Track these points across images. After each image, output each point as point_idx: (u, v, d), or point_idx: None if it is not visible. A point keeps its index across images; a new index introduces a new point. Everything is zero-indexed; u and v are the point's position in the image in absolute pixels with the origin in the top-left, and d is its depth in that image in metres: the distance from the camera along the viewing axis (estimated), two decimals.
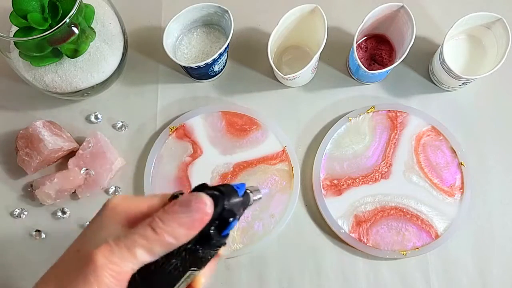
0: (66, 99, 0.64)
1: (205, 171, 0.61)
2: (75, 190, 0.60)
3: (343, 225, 0.59)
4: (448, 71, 0.58)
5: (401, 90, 0.65)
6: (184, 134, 0.62)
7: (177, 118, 0.63)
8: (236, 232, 0.59)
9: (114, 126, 0.64)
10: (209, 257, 0.33)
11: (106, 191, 0.62)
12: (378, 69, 0.59)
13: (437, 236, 0.59)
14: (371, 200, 0.60)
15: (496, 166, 0.62)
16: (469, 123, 0.63)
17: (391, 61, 0.64)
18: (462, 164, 0.61)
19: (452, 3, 0.67)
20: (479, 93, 0.64)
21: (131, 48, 0.65)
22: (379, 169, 0.61)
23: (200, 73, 0.62)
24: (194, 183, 0.61)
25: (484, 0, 0.67)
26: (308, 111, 0.64)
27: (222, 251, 0.35)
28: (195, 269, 0.33)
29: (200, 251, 0.32)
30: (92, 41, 0.56)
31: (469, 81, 0.60)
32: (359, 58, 0.60)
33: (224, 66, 0.65)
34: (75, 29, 0.51)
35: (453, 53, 0.63)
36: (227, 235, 0.34)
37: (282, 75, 0.57)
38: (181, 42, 0.64)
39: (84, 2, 0.54)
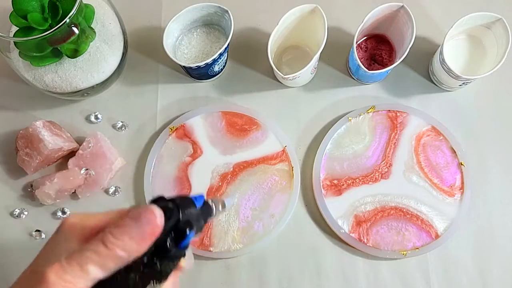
0: (66, 99, 0.64)
1: (205, 171, 0.61)
2: (75, 190, 0.60)
3: (343, 225, 0.59)
4: (448, 71, 0.58)
5: (401, 90, 0.65)
6: (184, 134, 0.62)
7: (177, 118, 0.63)
8: (236, 232, 0.59)
9: (114, 126, 0.64)
10: (169, 270, 0.33)
11: (106, 191, 0.62)
12: (378, 69, 0.59)
13: (437, 236, 0.59)
14: (371, 200, 0.60)
15: (496, 166, 0.62)
16: (469, 123, 0.63)
17: (391, 61, 0.64)
18: (462, 164, 0.61)
19: (452, 3, 0.67)
20: (479, 93, 0.64)
21: (131, 48, 0.65)
22: (379, 169, 0.61)
23: (200, 73, 0.62)
24: (194, 183, 0.61)
25: (484, 0, 0.67)
26: (308, 111, 0.64)
27: (184, 263, 0.35)
28: (156, 283, 0.32)
29: (158, 264, 0.32)
30: (92, 41, 0.56)
31: (469, 81, 0.60)
32: (359, 58, 0.60)
33: (224, 66, 0.65)
34: (75, 29, 0.51)
35: (453, 53, 0.63)
36: (186, 246, 0.33)
37: (282, 75, 0.57)
38: (181, 42, 0.64)
39: (84, 2, 0.54)
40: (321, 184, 0.60)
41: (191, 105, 0.64)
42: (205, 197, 0.37)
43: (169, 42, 0.61)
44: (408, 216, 0.59)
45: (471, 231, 0.60)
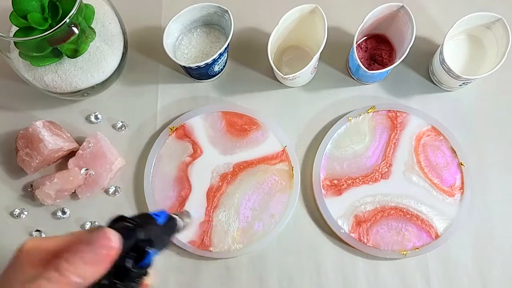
0: (66, 99, 0.64)
1: (205, 171, 0.61)
2: (75, 190, 0.60)
3: (343, 225, 0.59)
4: (448, 71, 0.58)
5: (401, 90, 0.65)
6: (184, 134, 0.62)
7: (177, 118, 0.63)
8: (236, 232, 0.59)
9: (114, 126, 0.64)
10: None
11: (106, 191, 0.62)
12: (378, 69, 0.59)
13: (437, 236, 0.59)
14: (371, 200, 0.60)
15: (496, 166, 0.62)
16: (469, 123, 0.63)
17: (391, 61, 0.64)
18: (462, 164, 0.61)
19: (452, 3, 0.67)
20: (479, 93, 0.64)
21: (131, 48, 0.65)
22: (379, 169, 0.61)
23: (200, 73, 0.62)
24: (194, 183, 0.61)
25: (484, 0, 0.67)
26: (308, 111, 0.64)
27: (149, 280, 0.34)
28: None
29: (119, 285, 0.31)
30: (92, 41, 0.56)
31: (469, 81, 0.60)
32: (359, 58, 0.60)
33: (224, 66, 0.65)
34: (75, 29, 0.51)
35: (453, 53, 0.63)
36: (148, 265, 0.33)
37: (282, 75, 0.57)
38: (181, 42, 0.64)
39: (84, 2, 0.54)
40: (321, 184, 0.60)
41: (191, 105, 0.64)
42: (167, 212, 0.36)
43: (169, 42, 0.61)
44: (408, 216, 0.59)
45: (471, 231, 0.60)
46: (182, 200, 0.60)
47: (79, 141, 0.62)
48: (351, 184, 0.61)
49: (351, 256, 0.59)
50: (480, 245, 0.59)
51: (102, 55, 0.57)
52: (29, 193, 0.61)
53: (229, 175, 0.61)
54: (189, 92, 0.65)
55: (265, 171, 0.61)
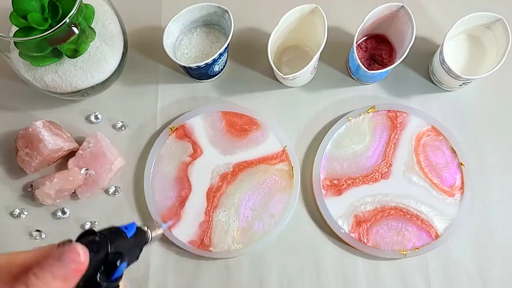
0: (66, 99, 0.64)
1: (205, 171, 0.61)
2: (75, 190, 0.60)
3: (343, 225, 0.59)
4: (448, 71, 0.58)
5: (401, 90, 0.65)
6: (184, 134, 0.62)
7: (177, 118, 0.63)
8: (236, 232, 0.59)
9: (114, 126, 0.64)
10: None
11: (106, 191, 0.62)
12: (378, 69, 0.59)
13: (437, 236, 0.59)
14: (371, 200, 0.60)
15: (496, 166, 0.62)
16: (469, 123, 0.63)
17: (391, 61, 0.64)
18: (462, 164, 0.61)
19: (452, 3, 0.67)
20: (479, 93, 0.64)
21: (131, 48, 0.65)
22: (379, 169, 0.61)
23: (200, 73, 0.62)
24: (194, 183, 0.61)
25: (484, 0, 0.67)
26: (308, 111, 0.64)
27: None
28: None
29: None
30: (92, 41, 0.56)
31: (469, 81, 0.60)
32: (359, 58, 0.60)
33: (224, 66, 0.65)
34: (75, 29, 0.51)
35: (453, 53, 0.63)
36: (119, 277, 0.33)
37: (282, 75, 0.57)
38: (181, 42, 0.64)
39: (84, 2, 0.54)
40: (321, 184, 0.60)
41: (191, 105, 0.64)
42: (137, 224, 0.37)
43: (169, 42, 0.61)
44: (408, 216, 0.59)
45: (471, 231, 0.60)
46: (182, 200, 0.60)
47: (79, 141, 0.62)
48: (351, 184, 0.61)
49: (351, 256, 0.59)
50: (480, 245, 0.59)
51: (102, 55, 0.57)
52: (29, 193, 0.61)
53: (229, 175, 0.61)
54: (189, 92, 0.65)
55: (265, 171, 0.61)
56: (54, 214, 0.61)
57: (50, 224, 0.61)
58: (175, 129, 0.62)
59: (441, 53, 0.59)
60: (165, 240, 0.60)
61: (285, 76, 0.57)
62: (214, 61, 0.59)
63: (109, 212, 0.61)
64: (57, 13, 0.52)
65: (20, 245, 0.60)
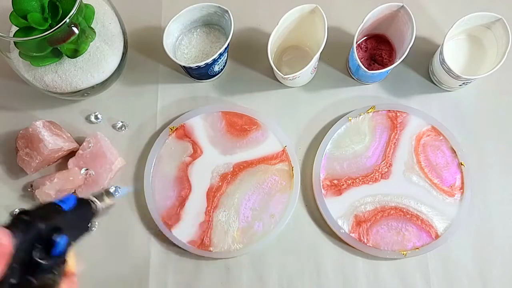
0: (66, 99, 0.64)
1: (205, 171, 0.61)
2: (75, 190, 0.60)
3: (343, 225, 0.59)
4: (448, 71, 0.58)
5: (401, 90, 0.65)
6: (184, 134, 0.62)
7: (177, 118, 0.63)
8: (236, 232, 0.59)
9: (114, 126, 0.64)
10: (53, 281, 0.31)
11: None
12: (378, 69, 0.59)
13: (437, 236, 0.59)
14: (371, 200, 0.60)
15: (496, 166, 0.62)
16: (469, 123, 0.63)
17: (391, 61, 0.64)
18: (462, 164, 0.61)
19: (452, 3, 0.67)
20: (479, 93, 0.64)
21: (131, 48, 0.65)
22: (379, 169, 0.61)
23: (200, 73, 0.62)
24: (194, 183, 0.61)
25: (484, 0, 0.67)
26: (308, 111, 0.64)
27: (72, 268, 0.33)
28: None
29: (36, 280, 0.30)
30: (92, 41, 0.56)
31: (469, 81, 0.60)
32: (359, 58, 0.60)
33: (224, 66, 0.65)
34: (75, 29, 0.51)
35: (453, 53, 0.63)
36: (61, 253, 0.31)
37: (282, 75, 0.57)
38: (181, 42, 0.64)
39: (84, 2, 0.54)
40: (321, 184, 0.60)
41: (191, 105, 0.64)
42: (76, 196, 0.35)
43: (169, 42, 0.61)
44: (408, 216, 0.59)
45: (471, 231, 0.60)
46: (182, 200, 0.60)
47: (79, 141, 0.62)
48: (351, 184, 0.61)
49: (351, 256, 0.59)
50: (480, 245, 0.59)
51: (102, 55, 0.57)
52: (29, 193, 0.61)
53: (229, 175, 0.61)
54: (189, 92, 0.65)
55: (265, 171, 0.61)
56: None
57: None
58: (175, 129, 0.62)
59: (441, 53, 0.59)
60: (165, 240, 0.60)
61: (285, 76, 0.57)
62: (214, 61, 0.59)
63: (109, 212, 0.61)
64: (57, 13, 0.52)
65: None
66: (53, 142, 0.58)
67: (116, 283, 0.59)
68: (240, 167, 0.61)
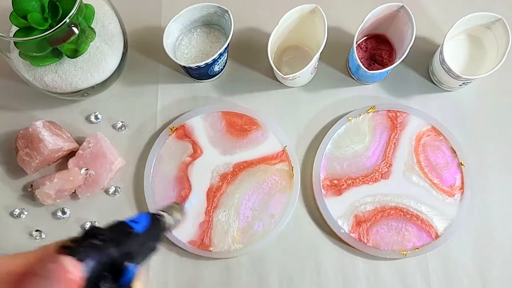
0: (66, 99, 0.64)
1: (205, 171, 0.61)
2: (75, 190, 0.60)
3: (343, 225, 0.59)
4: (448, 71, 0.58)
5: (401, 90, 0.65)
6: (184, 134, 0.62)
7: (177, 118, 0.63)
8: (236, 232, 0.59)
9: (114, 126, 0.64)
10: None
11: (106, 191, 0.62)
12: (378, 69, 0.59)
13: (437, 236, 0.59)
14: (371, 200, 0.60)
15: (496, 166, 0.62)
16: (469, 123, 0.63)
17: (391, 61, 0.64)
18: (462, 164, 0.61)
19: (452, 3, 0.67)
20: (479, 93, 0.64)
21: (131, 48, 0.65)
22: (379, 169, 0.61)
23: (200, 73, 0.62)
24: (194, 183, 0.61)
25: (484, 0, 0.67)
26: (308, 111, 0.64)
27: None
28: None
29: None
30: (92, 41, 0.56)
31: (469, 81, 0.60)
32: (359, 58, 0.60)
33: (224, 66, 0.65)
34: (75, 29, 0.51)
35: (453, 53, 0.63)
36: (130, 280, 0.29)
37: (282, 75, 0.57)
38: (181, 42, 0.64)
39: (84, 2, 0.54)
40: (321, 184, 0.60)
41: (191, 105, 0.64)
42: (149, 214, 0.32)
43: (169, 42, 0.61)
44: (408, 216, 0.59)
45: (471, 231, 0.60)
46: (182, 200, 0.60)
47: (79, 141, 0.62)
48: (351, 184, 0.61)
49: (351, 256, 0.59)
50: (480, 245, 0.59)
51: (102, 55, 0.57)
52: (29, 193, 0.61)
53: (229, 175, 0.61)
54: (189, 92, 0.65)
55: (265, 171, 0.61)
56: (54, 214, 0.61)
57: (50, 224, 0.61)
58: (175, 129, 0.62)
59: (441, 53, 0.59)
60: (165, 240, 0.60)
61: (285, 76, 0.57)
62: (214, 61, 0.59)
63: (109, 212, 0.61)
64: (57, 13, 0.52)
65: (20, 245, 0.60)
66: (53, 142, 0.58)
67: None
68: (240, 167, 0.61)
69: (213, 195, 0.60)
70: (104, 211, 0.61)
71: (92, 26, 0.56)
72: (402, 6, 0.57)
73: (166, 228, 0.33)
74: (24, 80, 0.58)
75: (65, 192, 0.59)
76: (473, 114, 0.64)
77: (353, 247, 0.59)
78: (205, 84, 0.65)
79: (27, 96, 0.64)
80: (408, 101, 0.64)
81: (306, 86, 0.65)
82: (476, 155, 0.62)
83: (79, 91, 0.58)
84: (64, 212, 0.61)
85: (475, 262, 0.59)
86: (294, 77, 0.58)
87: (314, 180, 0.61)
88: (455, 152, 0.61)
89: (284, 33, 0.61)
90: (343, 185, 0.60)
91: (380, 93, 0.64)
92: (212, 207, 0.60)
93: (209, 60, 0.58)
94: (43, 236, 0.60)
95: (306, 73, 0.59)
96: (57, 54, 0.55)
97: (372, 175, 0.61)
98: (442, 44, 0.58)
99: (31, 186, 0.61)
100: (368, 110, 0.62)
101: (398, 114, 0.63)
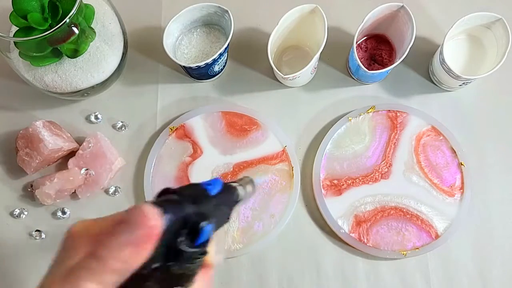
0: (66, 99, 0.64)
1: (205, 171, 0.61)
2: (75, 190, 0.60)
3: (343, 225, 0.59)
4: (448, 71, 0.58)
5: (401, 90, 0.65)
6: (184, 134, 0.62)
7: (177, 118, 0.63)
8: (236, 232, 0.59)
9: (114, 126, 0.64)
10: (192, 272, 0.29)
11: (106, 191, 0.62)
12: (378, 69, 0.59)
13: (437, 236, 0.59)
14: (371, 200, 0.60)
15: (496, 166, 0.62)
16: (469, 123, 0.63)
17: (391, 61, 0.64)
18: (462, 164, 0.61)
19: (452, 3, 0.67)
20: (479, 93, 0.64)
21: (131, 48, 0.65)
22: (379, 169, 0.61)
23: (200, 73, 0.62)
24: None
25: (484, 0, 0.67)
26: (308, 111, 0.64)
27: (212, 259, 0.30)
28: (181, 287, 0.28)
29: (175, 268, 0.28)
30: (92, 41, 0.56)
31: (469, 81, 0.60)
32: (359, 58, 0.60)
33: (224, 66, 0.65)
34: (75, 29, 0.51)
35: (453, 53, 0.63)
36: (205, 242, 0.29)
37: (282, 75, 0.57)
38: (181, 42, 0.64)
39: (84, 2, 0.54)
40: (321, 184, 0.60)
41: (191, 105, 0.64)
42: (222, 181, 0.32)
43: (169, 42, 0.61)
44: (408, 216, 0.59)
45: (471, 231, 0.60)
46: None
47: (79, 141, 0.62)
48: (351, 184, 0.61)
49: (351, 256, 0.59)
50: (480, 245, 0.59)
51: (102, 55, 0.57)
52: (29, 193, 0.61)
53: (229, 175, 0.61)
54: (189, 92, 0.65)
55: (265, 171, 0.61)
56: (54, 214, 0.61)
57: (50, 224, 0.61)
58: (175, 129, 0.62)
59: (441, 53, 0.59)
60: None
61: (285, 76, 0.57)
62: (214, 61, 0.59)
63: (109, 212, 0.61)
64: (57, 13, 0.52)
65: (20, 245, 0.60)
66: (53, 142, 0.58)
67: None
68: (240, 167, 0.61)
69: None
70: (104, 211, 0.61)
71: (92, 26, 0.56)
72: (402, 6, 0.57)
73: (238, 198, 0.33)
74: (24, 80, 0.58)
75: (65, 192, 0.59)
76: (473, 114, 0.64)
77: (353, 247, 0.59)
78: (205, 84, 0.65)
79: (27, 96, 0.64)
80: (408, 101, 0.64)
81: (306, 86, 0.65)
82: (476, 155, 0.62)
83: (79, 91, 0.58)
84: (64, 212, 0.61)
85: (475, 262, 0.59)
86: (294, 77, 0.58)
87: (314, 180, 0.61)
88: (455, 152, 0.61)
89: (284, 33, 0.61)
90: (343, 185, 0.60)
91: (380, 93, 0.64)
92: None
93: (209, 60, 0.58)
94: (43, 236, 0.60)
95: (306, 73, 0.59)
96: (57, 54, 0.55)
97: (372, 175, 0.61)
98: (442, 44, 0.58)
99: (31, 186, 0.61)
100: (368, 110, 0.62)
101: (398, 114, 0.63)
